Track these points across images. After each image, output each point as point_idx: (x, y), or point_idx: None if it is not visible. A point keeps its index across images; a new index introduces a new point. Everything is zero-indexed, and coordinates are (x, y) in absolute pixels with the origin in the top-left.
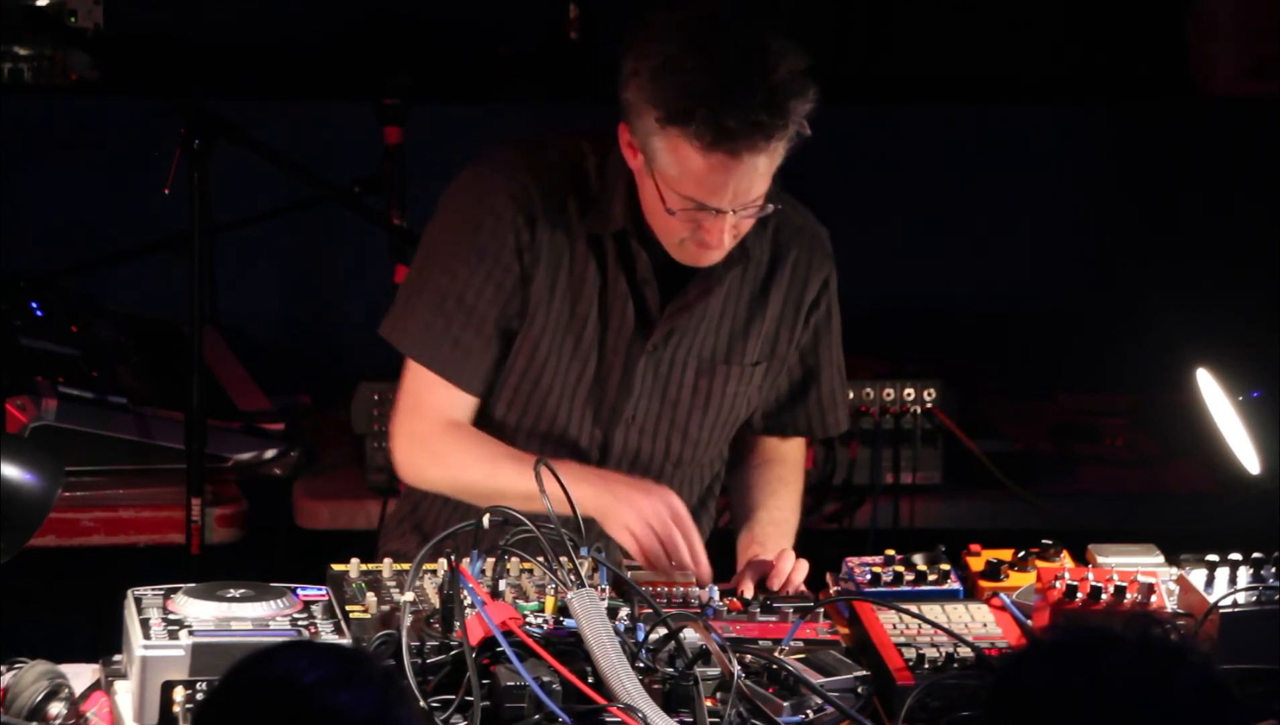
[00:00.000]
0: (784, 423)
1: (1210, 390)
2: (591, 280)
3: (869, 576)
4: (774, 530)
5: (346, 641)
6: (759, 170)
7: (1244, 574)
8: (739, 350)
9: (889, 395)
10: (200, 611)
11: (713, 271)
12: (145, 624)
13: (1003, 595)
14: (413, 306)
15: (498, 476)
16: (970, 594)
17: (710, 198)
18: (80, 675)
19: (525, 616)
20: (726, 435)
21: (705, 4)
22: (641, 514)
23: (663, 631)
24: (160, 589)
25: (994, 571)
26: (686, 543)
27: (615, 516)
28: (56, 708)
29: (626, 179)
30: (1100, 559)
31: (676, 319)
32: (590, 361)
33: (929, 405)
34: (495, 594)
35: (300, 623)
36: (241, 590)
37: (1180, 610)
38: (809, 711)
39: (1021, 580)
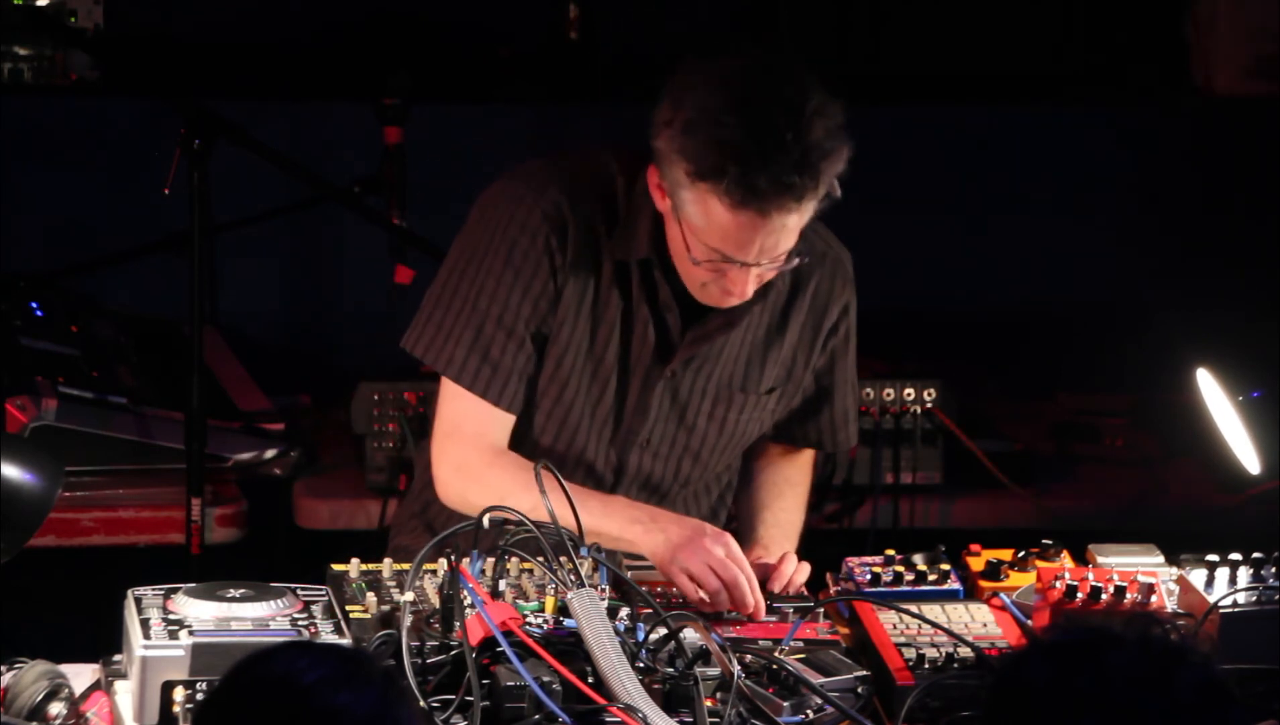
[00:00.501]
0: (794, 435)
1: (1210, 390)
2: (615, 303)
3: (869, 576)
4: (778, 533)
5: (346, 641)
6: (788, 227)
7: (1244, 574)
8: (755, 378)
9: (889, 395)
10: (200, 611)
11: (738, 305)
12: (145, 624)
13: (1003, 595)
14: (449, 327)
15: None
16: (970, 594)
17: (736, 252)
18: (80, 675)
19: (525, 616)
20: (736, 454)
21: (743, 56)
22: (701, 558)
23: (663, 631)
24: (160, 589)
25: (994, 571)
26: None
27: (671, 560)
28: (56, 708)
29: (652, 207)
30: (1100, 559)
31: (697, 347)
32: (610, 384)
33: (929, 405)
34: (495, 594)
35: (300, 623)
36: (241, 590)
37: (1180, 610)
38: (809, 711)
39: (1021, 580)
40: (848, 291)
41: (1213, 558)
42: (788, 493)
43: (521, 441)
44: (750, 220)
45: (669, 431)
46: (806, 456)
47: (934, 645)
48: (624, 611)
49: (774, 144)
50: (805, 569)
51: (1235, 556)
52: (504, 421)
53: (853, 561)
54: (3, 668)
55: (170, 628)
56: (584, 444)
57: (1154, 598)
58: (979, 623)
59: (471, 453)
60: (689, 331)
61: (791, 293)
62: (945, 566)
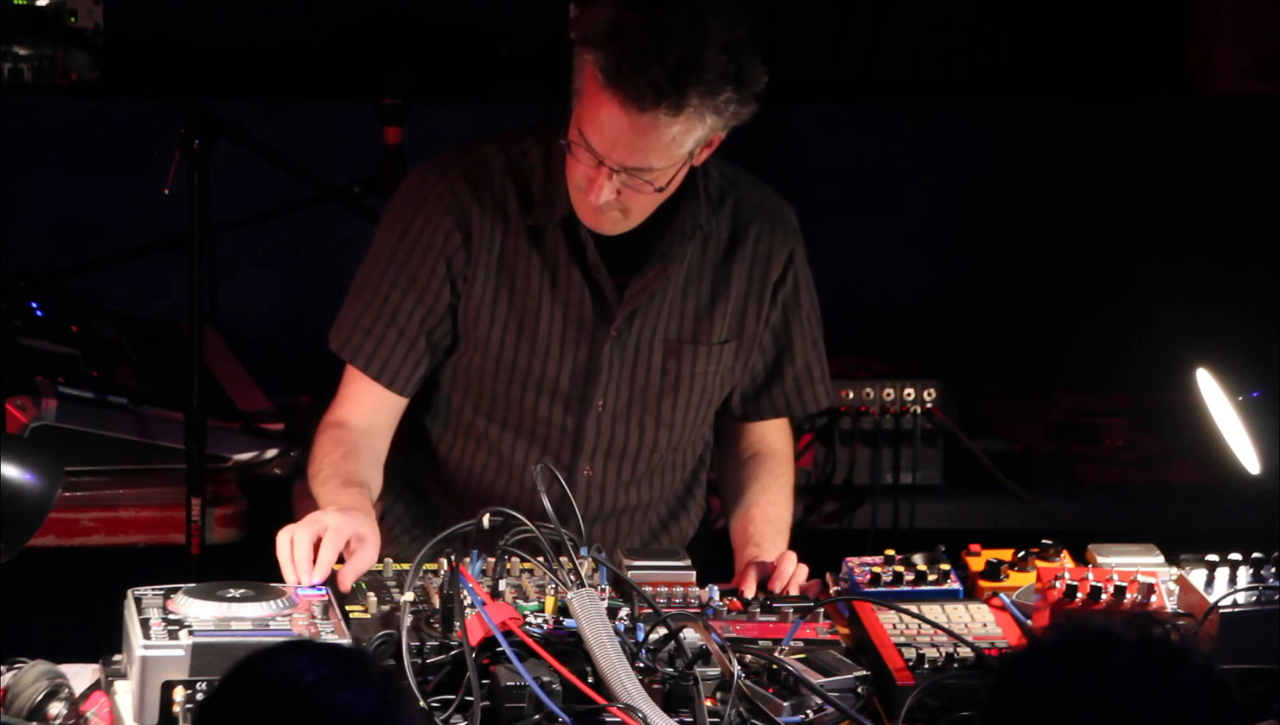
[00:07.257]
0: (762, 406)
1: (1210, 390)
2: (536, 274)
3: (869, 576)
4: (769, 529)
5: (346, 641)
6: (646, 137)
7: (1244, 574)
8: (705, 329)
9: (889, 395)
10: (200, 611)
11: (669, 250)
12: (145, 624)
13: (1003, 595)
14: (349, 307)
15: (310, 483)
16: (970, 594)
17: (594, 138)
18: (80, 675)
19: (525, 616)
20: (703, 418)
21: None
22: (289, 533)
23: (663, 631)
24: (160, 589)
25: (994, 571)
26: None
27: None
28: (56, 708)
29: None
30: (1100, 559)
31: (637, 300)
32: (551, 354)
33: (929, 405)
34: (495, 594)
35: (300, 623)
36: (241, 590)
37: (1180, 610)
38: (809, 711)
39: (1021, 580)
40: (790, 240)
41: (1213, 558)
42: (772, 486)
43: (471, 423)
44: (612, 109)
45: (623, 393)
46: (786, 447)
47: (934, 645)
48: (624, 611)
49: (660, 47)
50: (804, 570)
51: (1235, 556)
52: (387, 398)
53: (853, 561)
54: (3, 668)
55: (170, 628)
56: (533, 416)
57: (1154, 598)
58: (979, 623)
59: (328, 418)
60: (627, 288)
61: (731, 243)
62: (945, 566)
